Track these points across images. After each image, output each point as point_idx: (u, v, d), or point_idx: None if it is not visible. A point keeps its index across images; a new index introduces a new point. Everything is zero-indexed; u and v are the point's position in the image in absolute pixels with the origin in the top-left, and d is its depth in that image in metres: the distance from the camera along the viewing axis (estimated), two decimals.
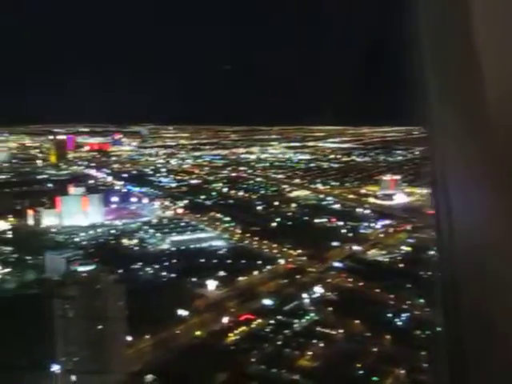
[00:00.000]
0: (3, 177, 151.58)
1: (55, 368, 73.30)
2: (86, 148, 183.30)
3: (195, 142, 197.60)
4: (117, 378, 71.81)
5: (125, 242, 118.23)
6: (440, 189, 5.36)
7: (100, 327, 75.81)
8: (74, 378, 72.30)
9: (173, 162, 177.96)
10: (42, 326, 71.62)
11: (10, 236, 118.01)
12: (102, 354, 73.72)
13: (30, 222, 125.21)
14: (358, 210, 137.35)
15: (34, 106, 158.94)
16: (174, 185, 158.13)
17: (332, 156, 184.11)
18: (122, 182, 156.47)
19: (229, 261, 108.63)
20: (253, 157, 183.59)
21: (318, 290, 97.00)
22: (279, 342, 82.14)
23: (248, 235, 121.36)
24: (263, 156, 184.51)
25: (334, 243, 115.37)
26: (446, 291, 5.24)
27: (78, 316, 75.50)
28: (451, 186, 5.12)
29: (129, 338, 77.89)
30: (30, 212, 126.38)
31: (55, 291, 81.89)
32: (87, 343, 74.05)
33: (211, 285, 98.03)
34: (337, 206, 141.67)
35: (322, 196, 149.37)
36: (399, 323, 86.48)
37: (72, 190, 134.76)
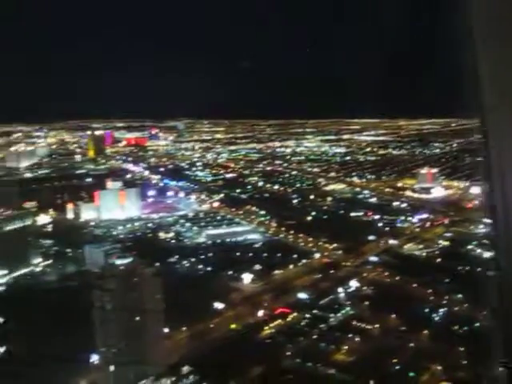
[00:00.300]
0: (43, 172, 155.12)
1: (94, 358, 74.73)
2: (124, 143, 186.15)
3: (230, 136, 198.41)
4: (154, 369, 72.74)
5: (161, 235, 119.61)
6: (497, 184, 5.30)
7: (137, 319, 76.81)
8: (112, 368, 73.46)
9: (208, 156, 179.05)
10: (81, 318, 73.05)
11: (51, 229, 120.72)
12: (140, 345, 74.78)
13: (70, 215, 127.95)
14: (394, 203, 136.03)
15: (72, 101, 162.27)
16: (209, 179, 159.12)
17: (368, 149, 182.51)
18: (159, 176, 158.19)
19: (264, 254, 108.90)
20: (288, 150, 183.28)
21: (354, 284, 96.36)
22: (315, 336, 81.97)
23: (283, 229, 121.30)
24: (298, 149, 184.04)
25: (370, 237, 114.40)
26: (503, 287, 5.18)
27: (116, 308, 76.62)
28: (509, 182, 5.07)
29: (166, 330, 78.87)
30: (70, 206, 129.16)
31: (94, 283, 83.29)
32: (125, 335, 75.17)
33: (247, 278, 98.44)
34: (373, 200, 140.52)
35: (357, 189, 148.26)
36: (436, 318, 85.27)
37: (110, 184, 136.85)
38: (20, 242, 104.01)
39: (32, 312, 76.92)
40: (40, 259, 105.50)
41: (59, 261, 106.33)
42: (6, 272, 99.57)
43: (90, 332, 73.73)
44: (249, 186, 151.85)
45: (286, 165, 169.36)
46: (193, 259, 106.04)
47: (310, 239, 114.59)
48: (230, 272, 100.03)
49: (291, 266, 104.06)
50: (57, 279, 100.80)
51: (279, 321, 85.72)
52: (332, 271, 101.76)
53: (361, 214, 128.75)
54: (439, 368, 72.46)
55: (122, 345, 74.81)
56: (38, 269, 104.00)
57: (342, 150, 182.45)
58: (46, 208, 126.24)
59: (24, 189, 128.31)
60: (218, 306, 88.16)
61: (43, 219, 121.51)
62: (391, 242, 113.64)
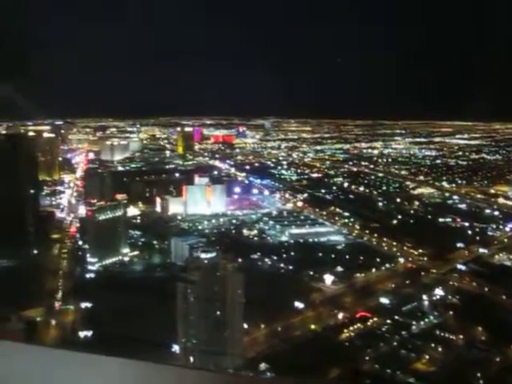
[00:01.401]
0: (135, 165, 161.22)
1: (175, 348, 76.87)
2: (211, 140, 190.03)
3: (317, 135, 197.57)
4: (232, 362, 73.79)
5: (245, 232, 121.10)
6: None
7: (219, 313, 78.28)
8: (191, 358, 75.27)
9: (294, 155, 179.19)
10: (165, 307, 75.36)
11: (139, 221, 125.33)
12: (219, 338, 76.24)
13: (158, 208, 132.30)
14: (486, 210, 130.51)
15: (164, 99, 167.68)
16: (294, 178, 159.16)
17: (460, 153, 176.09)
18: (245, 174, 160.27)
19: (347, 256, 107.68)
20: (375, 152, 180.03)
21: (439, 292, 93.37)
22: (395, 343, 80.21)
23: (367, 231, 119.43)
24: (386, 151, 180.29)
25: (459, 244, 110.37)
26: None
27: (198, 300, 78.42)
28: None
29: (245, 326, 79.79)
30: (158, 199, 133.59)
31: (178, 275, 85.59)
32: (206, 326, 76.87)
33: (328, 279, 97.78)
34: (463, 206, 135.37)
35: (447, 194, 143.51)
36: None
37: (197, 179, 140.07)
38: (111, 232, 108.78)
39: (119, 299, 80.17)
40: (128, 249, 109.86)
41: (146, 252, 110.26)
42: (96, 260, 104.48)
43: (173, 322, 75.98)
44: (334, 187, 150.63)
45: (372, 166, 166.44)
46: (275, 257, 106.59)
47: (395, 243, 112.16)
48: (312, 272, 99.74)
49: (374, 270, 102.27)
50: (143, 269, 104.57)
51: (359, 324, 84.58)
52: (416, 277, 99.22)
53: (449, 219, 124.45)
54: None
55: (203, 336, 76.53)
56: (126, 258, 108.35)
57: (433, 152, 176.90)
58: (136, 200, 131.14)
59: (116, 181, 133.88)
60: (299, 305, 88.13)
61: (133, 211, 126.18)
62: (481, 250, 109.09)
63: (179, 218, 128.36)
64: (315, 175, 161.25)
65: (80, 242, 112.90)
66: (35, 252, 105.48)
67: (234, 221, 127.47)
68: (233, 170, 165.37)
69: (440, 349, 77.77)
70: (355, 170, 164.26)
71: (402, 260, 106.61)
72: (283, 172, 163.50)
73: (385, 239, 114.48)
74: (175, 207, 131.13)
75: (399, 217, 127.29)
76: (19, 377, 4.75)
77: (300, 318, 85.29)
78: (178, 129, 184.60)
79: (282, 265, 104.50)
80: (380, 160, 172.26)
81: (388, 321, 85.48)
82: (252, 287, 78.68)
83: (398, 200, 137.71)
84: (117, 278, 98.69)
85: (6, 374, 4.75)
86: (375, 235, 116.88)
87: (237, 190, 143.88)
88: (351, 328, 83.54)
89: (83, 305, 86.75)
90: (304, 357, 70.75)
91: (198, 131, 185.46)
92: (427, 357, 76.30)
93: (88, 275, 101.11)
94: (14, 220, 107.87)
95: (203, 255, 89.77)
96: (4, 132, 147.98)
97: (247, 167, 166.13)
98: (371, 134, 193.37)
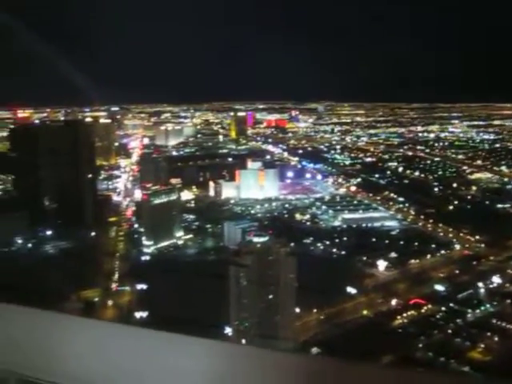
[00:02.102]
0: (189, 150, 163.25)
1: (228, 330, 77.98)
2: (264, 124, 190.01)
3: (371, 119, 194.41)
4: (284, 346, 74.37)
5: (298, 216, 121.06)
6: None
7: (271, 296, 78.83)
8: (243, 341, 76.20)
9: (348, 139, 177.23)
10: (217, 290, 76.41)
11: (193, 205, 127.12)
12: (272, 321, 76.85)
13: (211, 193, 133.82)
14: None
15: (216, 83, 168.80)
16: (348, 162, 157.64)
17: None
18: (297, 158, 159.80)
19: (401, 242, 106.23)
20: (431, 135, 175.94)
21: (496, 280, 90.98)
22: (449, 331, 78.83)
23: (422, 217, 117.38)
24: (443, 135, 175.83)
25: None
26: None
27: (251, 284, 79.17)
28: None
29: (297, 310, 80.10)
30: (211, 184, 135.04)
31: (231, 259, 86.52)
32: (258, 310, 77.60)
33: (381, 265, 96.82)
34: None
35: (506, 179, 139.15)
36: None
37: (250, 164, 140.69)
38: (165, 215, 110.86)
39: (173, 281, 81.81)
40: (182, 233, 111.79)
41: (199, 235, 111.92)
42: (151, 243, 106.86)
43: (225, 305, 77.04)
44: (388, 172, 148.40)
45: (428, 151, 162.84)
46: (327, 242, 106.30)
47: (451, 229, 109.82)
48: (365, 258, 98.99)
49: (429, 256, 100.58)
50: (196, 252, 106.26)
51: (413, 311, 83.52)
52: (473, 264, 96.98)
53: (508, 205, 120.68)
54: None
55: (255, 319, 77.31)
56: (180, 242, 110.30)
57: (491, 136, 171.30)
58: (190, 185, 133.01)
59: (171, 166, 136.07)
60: (351, 290, 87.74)
61: (187, 195, 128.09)
62: None
63: (232, 202, 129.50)
64: (369, 159, 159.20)
65: (136, 225, 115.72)
66: (93, 234, 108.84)
67: (286, 205, 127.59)
68: (285, 154, 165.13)
69: (496, 338, 76.00)
70: (410, 154, 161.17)
71: (458, 247, 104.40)
72: (336, 156, 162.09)
73: (440, 225, 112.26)
74: (228, 191, 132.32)
75: (455, 202, 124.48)
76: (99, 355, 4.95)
77: (352, 304, 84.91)
78: (231, 113, 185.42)
79: (334, 250, 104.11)
80: (436, 144, 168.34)
81: (442, 308, 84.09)
82: (304, 272, 78.68)
83: (455, 185, 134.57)
84: (171, 261, 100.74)
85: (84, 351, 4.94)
86: (431, 221, 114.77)
87: (289, 174, 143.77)
88: (404, 315, 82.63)
89: (139, 286, 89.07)
90: (356, 342, 70.51)
91: (251, 116, 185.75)
92: (483, 346, 74.72)
93: (143, 257, 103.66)
94: (73, 203, 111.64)
95: (256, 239, 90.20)
96: (63, 118, 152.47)
97: (300, 151, 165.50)
98: (427, 117, 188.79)
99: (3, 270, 78.81)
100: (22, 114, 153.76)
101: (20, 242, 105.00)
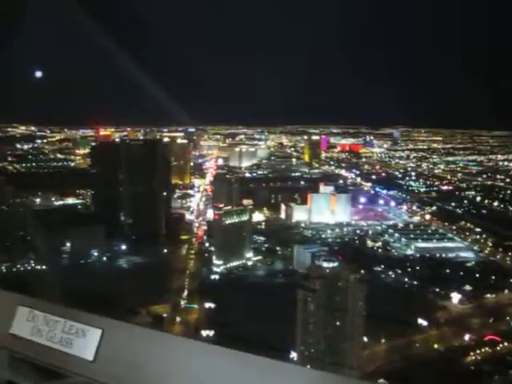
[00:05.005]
0: (262, 172, 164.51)
1: (293, 354, 77.19)
2: (338, 148, 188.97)
3: (449, 146, 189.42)
4: (349, 374, 72.73)
5: (369, 243, 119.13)
6: None
7: (338, 323, 77.62)
8: (309, 367, 75.03)
9: (424, 165, 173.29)
10: (284, 313, 76.03)
11: (264, 227, 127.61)
12: (338, 348, 75.50)
13: (282, 215, 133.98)
14: None
15: (291, 107, 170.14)
16: (423, 189, 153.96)
17: None
18: (370, 184, 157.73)
19: (477, 275, 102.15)
20: None
21: None
22: None
23: (501, 249, 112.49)
24: None
25: None
26: None
27: (318, 309, 78.31)
28: None
29: (365, 339, 78.39)
30: (283, 206, 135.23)
31: (300, 283, 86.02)
32: (325, 336, 76.50)
33: (455, 298, 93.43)
34: None
35: None
36: None
37: (322, 188, 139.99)
38: (236, 236, 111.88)
39: (241, 301, 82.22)
40: (252, 254, 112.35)
41: (269, 257, 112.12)
42: (221, 262, 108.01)
43: (292, 328, 76.45)
44: (465, 201, 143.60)
45: (508, 180, 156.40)
46: (399, 271, 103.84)
47: None
48: (438, 289, 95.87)
49: (506, 291, 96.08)
50: (265, 274, 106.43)
51: (487, 348, 79.79)
52: None
53: None
54: None
55: (321, 346, 76.22)
56: (249, 262, 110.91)
57: None
58: (261, 206, 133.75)
59: (243, 187, 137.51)
60: (422, 322, 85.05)
61: (258, 217, 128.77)
62: None
63: (303, 225, 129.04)
64: (445, 187, 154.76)
65: (207, 244, 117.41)
66: (165, 251, 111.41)
67: (357, 231, 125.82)
68: (358, 179, 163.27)
69: None
70: (489, 183, 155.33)
71: None
72: (411, 183, 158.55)
73: None
74: (299, 214, 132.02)
75: None
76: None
77: (423, 336, 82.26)
78: (305, 137, 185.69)
79: (406, 279, 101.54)
80: None
81: None
82: (374, 300, 77.11)
83: None
84: (240, 281, 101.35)
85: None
86: (510, 254, 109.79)
87: (362, 199, 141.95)
88: (478, 351, 79.06)
89: (207, 305, 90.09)
90: (425, 377, 68.17)
91: (325, 139, 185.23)
92: None
93: (213, 276, 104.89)
94: (148, 220, 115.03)
95: (325, 264, 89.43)
96: (142, 137, 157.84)
97: (373, 177, 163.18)
98: (508, 145, 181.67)
99: (79, 280, 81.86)
100: (103, 132, 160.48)
101: (96, 254, 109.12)
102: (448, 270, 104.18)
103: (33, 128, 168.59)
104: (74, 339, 5.39)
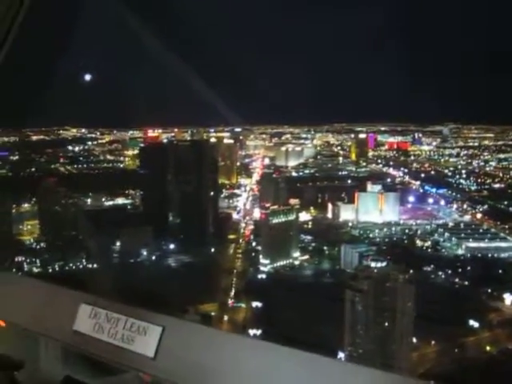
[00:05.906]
0: (308, 171, 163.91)
1: (341, 355, 76.85)
2: (385, 146, 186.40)
3: (501, 143, 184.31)
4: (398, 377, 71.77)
5: (418, 242, 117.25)
6: None
7: (387, 324, 76.87)
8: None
9: (475, 163, 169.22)
10: (331, 313, 75.83)
11: (310, 226, 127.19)
12: (387, 350, 74.81)
13: (329, 214, 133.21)
14: None
15: (338, 104, 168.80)
16: (474, 188, 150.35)
17: None
18: (419, 182, 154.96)
19: None
20: None
21: None
22: None
23: None
24: None
25: None
26: None
27: (366, 310, 77.75)
28: None
29: (414, 340, 77.36)
30: (330, 205, 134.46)
31: (347, 283, 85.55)
32: (373, 337, 75.90)
33: (508, 299, 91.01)
34: None
35: None
36: None
37: (369, 186, 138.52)
38: (283, 235, 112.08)
39: (288, 301, 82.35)
40: (299, 253, 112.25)
41: (316, 257, 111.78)
42: (268, 261, 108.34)
43: (339, 329, 76.18)
44: None
45: None
46: (449, 271, 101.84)
47: None
48: (490, 290, 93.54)
49: None
50: (313, 274, 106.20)
51: None
52: None
53: None
54: None
55: (370, 346, 75.65)
56: (296, 262, 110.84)
57: None
58: (308, 206, 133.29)
59: (290, 186, 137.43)
60: (474, 324, 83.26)
61: (304, 216, 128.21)
62: None
63: (350, 224, 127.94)
64: (497, 185, 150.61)
65: (253, 244, 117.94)
66: (213, 250, 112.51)
67: (406, 230, 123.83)
68: (407, 177, 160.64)
69: None
70: None
71: None
72: (461, 181, 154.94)
73: None
74: (346, 214, 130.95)
75: None
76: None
77: (474, 338, 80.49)
78: (352, 135, 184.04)
79: (456, 280, 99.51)
80: None
81: None
82: (423, 300, 76.05)
83: None
84: (287, 281, 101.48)
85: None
86: None
87: (410, 198, 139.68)
88: None
89: (254, 304, 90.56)
90: (477, 380, 66.79)
91: (373, 138, 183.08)
92: None
93: (259, 276, 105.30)
94: (196, 219, 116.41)
95: (373, 264, 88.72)
96: (189, 138, 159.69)
97: (422, 175, 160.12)
98: None
99: (129, 279, 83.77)
100: (151, 133, 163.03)
101: (145, 253, 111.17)
102: (500, 271, 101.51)
103: (83, 130, 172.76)
104: (135, 336, 5.65)
